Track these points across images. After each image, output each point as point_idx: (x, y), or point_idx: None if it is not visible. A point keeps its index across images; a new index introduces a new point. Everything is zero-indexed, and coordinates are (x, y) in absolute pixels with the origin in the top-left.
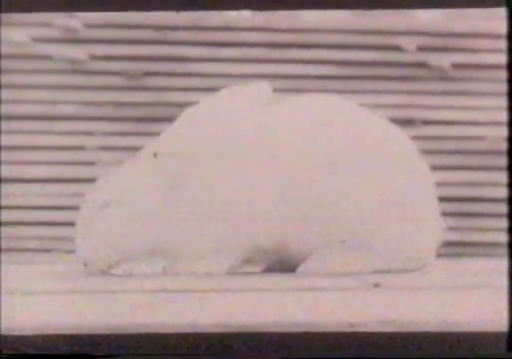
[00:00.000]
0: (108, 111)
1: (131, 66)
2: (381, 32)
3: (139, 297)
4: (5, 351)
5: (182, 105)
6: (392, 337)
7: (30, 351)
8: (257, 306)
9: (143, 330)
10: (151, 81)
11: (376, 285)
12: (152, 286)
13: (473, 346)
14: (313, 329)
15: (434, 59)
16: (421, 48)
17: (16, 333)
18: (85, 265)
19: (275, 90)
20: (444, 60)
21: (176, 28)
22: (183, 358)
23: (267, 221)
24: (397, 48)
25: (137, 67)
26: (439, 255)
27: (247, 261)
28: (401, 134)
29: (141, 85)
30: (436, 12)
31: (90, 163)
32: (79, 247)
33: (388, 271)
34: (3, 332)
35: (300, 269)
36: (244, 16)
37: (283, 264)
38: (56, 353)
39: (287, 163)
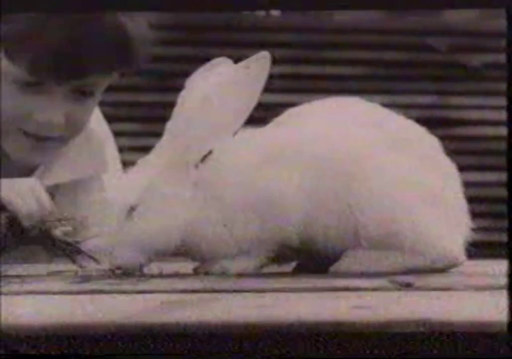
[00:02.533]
0: (139, 112)
1: (160, 67)
2: (412, 32)
3: (169, 297)
4: (5, 351)
5: None
6: (392, 337)
7: (30, 351)
8: (289, 306)
9: (173, 330)
10: (179, 82)
11: (408, 285)
12: (182, 286)
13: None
14: (346, 330)
15: (465, 59)
16: (453, 48)
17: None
18: (118, 268)
19: (305, 90)
20: (476, 60)
21: (204, 29)
22: (183, 358)
23: (296, 220)
24: (428, 48)
25: (166, 67)
26: (469, 255)
27: (277, 261)
28: (428, 135)
29: (169, 86)
30: (468, 11)
31: None
32: (111, 255)
33: (419, 271)
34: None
35: (331, 269)
36: (274, 16)
37: (314, 264)
38: (56, 353)
39: (317, 161)
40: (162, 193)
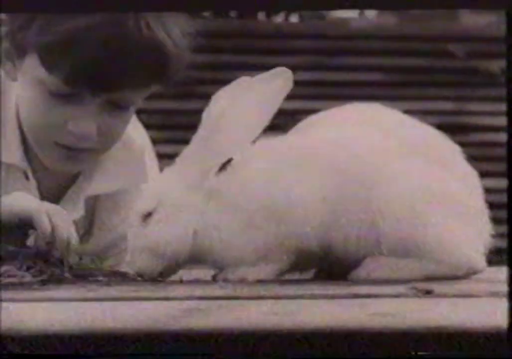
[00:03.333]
0: (159, 119)
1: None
2: (430, 38)
3: (188, 304)
4: (4, 351)
5: None
6: (392, 337)
7: (30, 351)
8: (309, 313)
9: (193, 337)
10: (199, 89)
11: (428, 292)
12: (202, 293)
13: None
14: (366, 336)
15: (484, 64)
16: (471, 54)
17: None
18: (139, 275)
19: (323, 97)
20: (494, 66)
21: (222, 35)
22: (184, 358)
23: (315, 226)
24: (446, 54)
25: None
26: (490, 262)
27: (296, 268)
28: (449, 141)
29: (192, 93)
30: (485, 17)
31: None
32: (129, 262)
33: (439, 278)
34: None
35: (351, 276)
36: (292, 23)
37: (333, 271)
38: (56, 353)
39: (336, 168)
40: (179, 200)
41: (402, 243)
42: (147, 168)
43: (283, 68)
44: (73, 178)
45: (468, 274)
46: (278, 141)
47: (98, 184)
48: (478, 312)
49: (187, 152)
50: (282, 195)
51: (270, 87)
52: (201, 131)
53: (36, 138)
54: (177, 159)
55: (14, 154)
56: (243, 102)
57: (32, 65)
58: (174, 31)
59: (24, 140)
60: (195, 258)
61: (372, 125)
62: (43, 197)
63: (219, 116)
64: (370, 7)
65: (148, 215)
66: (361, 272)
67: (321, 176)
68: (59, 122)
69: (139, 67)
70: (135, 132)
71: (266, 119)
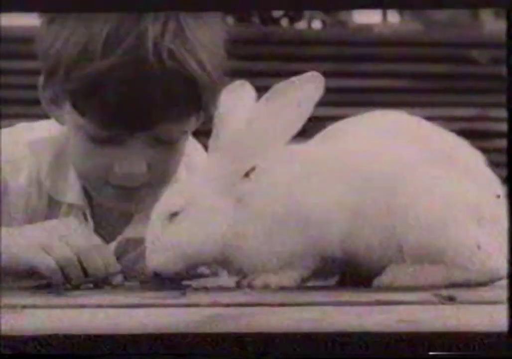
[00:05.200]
0: None
1: None
2: (453, 45)
3: (212, 310)
4: (5, 351)
5: None
6: (391, 337)
7: (30, 351)
8: (332, 320)
9: (216, 344)
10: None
11: (452, 299)
12: (225, 300)
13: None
14: (390, 343)
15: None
16: (494, 60)
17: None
18: (155, 275)
19: (346, 104)
20: None
21: (246, 42)
22: (184, 358)
23: (338, 234)
24: (469, 60)
25: None
26: None
27: (319, 275)
28: (471, 149)
29: None
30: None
31: None
32: (148, 258)
33: (463, 285)
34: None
35: (374, 283)
36: (315, 30)
37: (355, 278)
38: (56, 353)
39: (359, 175)
40: (205, 203)
41: (424, 249)
42: None
43: (315, 73)
44: (129, 220)
45: (492, 280)
46: (302, 149)
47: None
48: (500, 318)
49: (218, 154)
50: (306, 202)
51: (302, 92)
52: (229, 136)
53: (88, 181)
54: (207, 160)
55: (74, 194)
56: (275, 106)
57: (69, 112)
58: (202, 54)
59: (83, 186)
60: (217, 263)
61: (394, 133)
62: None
63: (251, 119)
64: (370, 7)
65: (175, 214)
66: (384, 279)
67: (344, 184)
68: (106, 165)
69: (170, 100)
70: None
71: (298, 125)
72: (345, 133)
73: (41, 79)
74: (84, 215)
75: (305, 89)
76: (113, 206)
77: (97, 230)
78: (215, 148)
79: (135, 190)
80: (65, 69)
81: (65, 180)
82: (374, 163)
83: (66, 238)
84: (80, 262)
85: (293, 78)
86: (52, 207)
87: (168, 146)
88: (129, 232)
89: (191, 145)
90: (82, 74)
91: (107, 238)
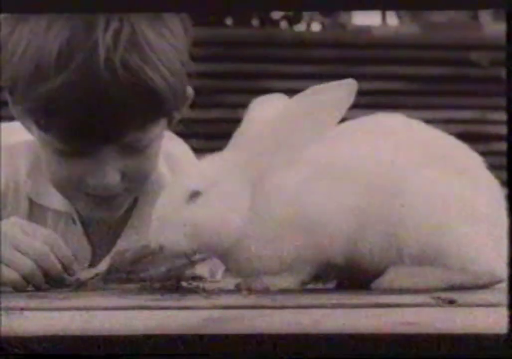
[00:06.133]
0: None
1: (200, 83)
2: (453, 47)
3: (211, 313)
4: (4, 351)
5: None
6: (392, 337)
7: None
8: (334, 323)
9: (216, 346)
10: (221, 98)
11: (451, 302)
12: (225, 302)
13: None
14: (389, 345)
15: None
16: (494, 63)
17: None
18: (161, 248)
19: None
20: None
21: (246, 44)
22: (184, 358)
23: (342, 239)
24: (469, 63)
25: (208, 84)
26: None
27: (319, 278)
28: (471, 151)
29: (211, 102)
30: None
31: None
32: (155, 233)
33: (461, 287)
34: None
35: (373, 286)
36: (315, 32)
37: (355, 281)
38: (56, 353)
39: (362, 179)
40: (226, 190)
41: (424, 252)
42: None
43: (351, 80)
44: (121, 228)
45: (491, 283)
46: (306, 153)
47: (130, 238)
48: (500, 320)
49: (241, 147)
50: (311, 207)
51: (335, 96)
52: (255, 132)
53: (62, 190)
54: (229, 152)
55: (59, 201)
56: (307, 106)
57: (32, 127)
58: (159, 61)
59: None
60: (219, 254)
61: (395, 137)
62: (94, 244)
63: (281, 116)
64: (367, 8)
65: (195, 194)
66: (383, 281)
67: (349, 189)
68: (78, 176)
69: (131, 111)
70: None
71: (325, 127)
72: (346, 137)
73: (6, 95)
74: (73, 219)
75: (339, 94)
76: (90, 214)
77: (88, 234)
78: (239, 142)
79: (111, 198)
80: (22, 88)
81: (47, 185)
82: (376, 167)
83: (26, 244)
84: (40, 267)
85: (330, 83)
86: (33, 210)
87: (140, 153)
88: (124, 243)
89: (175, 144)
90: (38, 94)
91: (99, 242)
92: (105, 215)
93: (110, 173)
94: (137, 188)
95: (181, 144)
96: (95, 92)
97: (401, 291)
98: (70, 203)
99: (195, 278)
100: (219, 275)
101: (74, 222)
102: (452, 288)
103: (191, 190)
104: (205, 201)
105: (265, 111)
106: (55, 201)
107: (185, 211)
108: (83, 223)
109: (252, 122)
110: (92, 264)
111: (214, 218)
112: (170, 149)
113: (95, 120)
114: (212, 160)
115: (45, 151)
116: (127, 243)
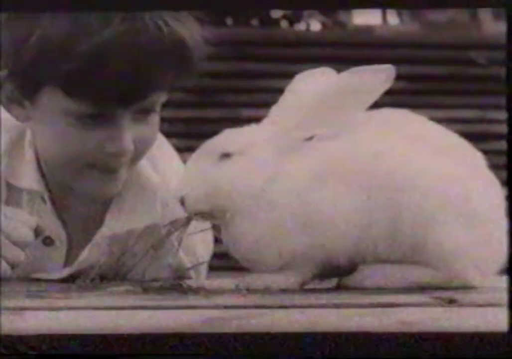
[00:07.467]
0: (179, 127)
1: (202, 83)
2: (453, 46)
3: (211, 312)
4: (5, 351)
5: (252, 121)
6: (392, 337)
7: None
8: (334, 322)
9: (216, 346)
10: (221, 97)
11: (452, 301)
12: (225, 302)
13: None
14: (390, 344)
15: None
16: (494, 62)
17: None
18: (181, 200)
19: None
20: None
21: (246, 44)
22: (183, 358)
23: (346, 240)
24: (469, 62)
25: (208, 83)
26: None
27: (319, 277)
28: (474, 150)
29: (211, 101)
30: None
31: None
32: (179, 185)
33: (458, 287)
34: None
35: (342, 283)
36: (315, 31)
37: (353, 281)
38: (56, 353)
39: (366, 178)
40: (258, 156)
41: (420, 252)
42: (158, 208)
43: (389, 65)
44: (100, 217)
45: (465, 286)
46: (308, 149)
47: (115, 224)
48: (500, 319)
49: (283, 114)
50: (313, 206)
51: (373, 79)
52: (298, 102)
53: (66, 169)
54: (271, 115)
55: (30, 180)
56: (352, 85)
57: (51, 99)
58: (190, 24)
59: (40, 170)
60: (222, 226)
61: (400, 133)
62: (66, 224)
63: (324, 91)
64: (365, 6)
65: (227, 155)
66: (381, 281)
67: (352, 188)
68: (94, 147)
69: (166, 67)
70: (150, 168)
71: (360, 107)
72: (351, 134)
73: None
74: (43, 198)
75: (380, 77)
76: (93, 190)
77: (59, 214)
78: (278, 112)
79: (113, 173)
80: (57, 52)
81: (21, 165)
82: (381, 166)
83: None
84: (8, 237)
85: (371, 65)
86: (12, 192)
87: (150, 117)
88: (107, 229)
89: (159, 146)
90: (79, 52)
91: (70, 222)
92: (103, 192)
93: (127, 139)
94: (139, 158)
95: (168, 147)
96: (140, 46)
97: (400, 290)
98: (42, 182)
99: (181, 277)
100: (203, 275)
101: (44, 201)
102: (450, 288)
103: (222, 151)
104: (233, 164)
105: (309, 85)
106: (26, 181)
107: (212, 171)
108: (54, 203)
109: (294, 95)
110: (69, 246)
111: (237, 180)
112: (146, 173)
113: (132, 76)
114: (250, 128)
115: (59, 125)
116: (111, 228)
